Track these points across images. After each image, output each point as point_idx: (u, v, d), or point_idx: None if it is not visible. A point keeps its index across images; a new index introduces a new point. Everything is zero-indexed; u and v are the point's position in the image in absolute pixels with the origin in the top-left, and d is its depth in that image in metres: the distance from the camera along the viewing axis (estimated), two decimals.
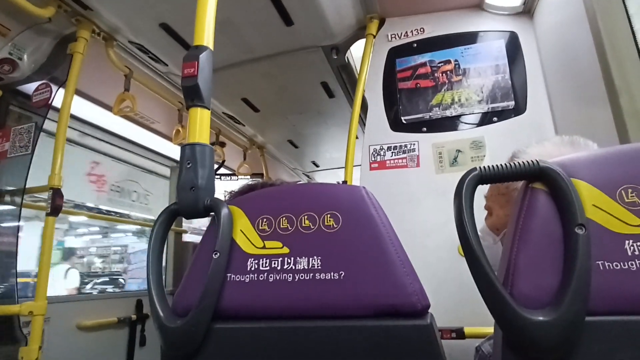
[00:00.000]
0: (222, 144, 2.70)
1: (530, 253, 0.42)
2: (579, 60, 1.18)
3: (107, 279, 4.60)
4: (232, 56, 1.87)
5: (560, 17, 1.32)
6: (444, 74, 1.56)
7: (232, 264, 0.51)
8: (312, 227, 0.50)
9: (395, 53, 1.64)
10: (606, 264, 0.40)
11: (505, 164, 0.45)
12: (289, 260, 0.50)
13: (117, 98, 1.84)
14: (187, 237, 2.93)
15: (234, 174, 2.97)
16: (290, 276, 0.49)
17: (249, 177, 2.93)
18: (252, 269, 0.50)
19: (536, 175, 0.44)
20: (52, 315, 1.59)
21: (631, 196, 0.41)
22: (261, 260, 0.51)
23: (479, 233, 0.44)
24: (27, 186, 1.49)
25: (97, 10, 1.53)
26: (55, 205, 1.42)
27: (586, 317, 0.39)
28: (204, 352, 0.49)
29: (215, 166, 2.78)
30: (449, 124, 1.51)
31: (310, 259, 0.49)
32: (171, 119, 2.33)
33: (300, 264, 0.49)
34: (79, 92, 1.87)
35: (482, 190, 0.82)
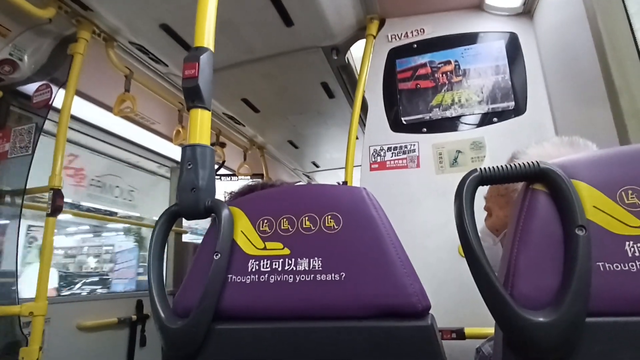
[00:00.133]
0: (222, 145, 2.70)
1: (531, 254, 0.42)
2: (579, 60, 1.18)
3: (92, 279, 4.45)
4: (232, 57, 1.87)
5: (560, 18, 1.32)
6: (444, 75, 1.56)
7: (232, 265, 0.51)
8: (312, 228, 0.50)
9: (396, 53, 1.64)
10: (606, 265, 0.40)
11: (506, 165, 0.45)
12: (290, 261, 0.50)
13: (118, 99, 1.84)
14: (185, 237, 2.93)
15: (234, 175, 2.97)
16: (291, 277, 0.49)
17: (249, 177, 2.93)
18: (253, 270, 0.51)
19: (536, 176, 0.44)
20: (53, 315, 1.59)
21: (631, 197, 0.41)
22: (262, 261, 0.51)
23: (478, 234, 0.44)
24: (27, 187, 1.49)
25: (97, 11, 1.53)
26: (56, 206, 1.42)
27: (586, 318, 0.39)
28: (204, 352, 0.49)
29: (216, 167, 2.77)
30: (449, 124, 1.51)
31: (311, 260, 0.49)
32: (171, 120, 2.33)
33: (301, 265, 0.49)
34: (80, 93, 1.87)
35: (482, 191, 0.83)
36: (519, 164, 0.44)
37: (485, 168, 0.45)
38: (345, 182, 1.54)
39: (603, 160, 0.45)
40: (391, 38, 1.66)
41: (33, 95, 1.59)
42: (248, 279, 0.50)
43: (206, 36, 0.65)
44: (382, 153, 1.53)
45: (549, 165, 0.44)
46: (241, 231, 0.53)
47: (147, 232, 4.39)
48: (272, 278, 0.49)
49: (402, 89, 1.59)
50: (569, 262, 0.40)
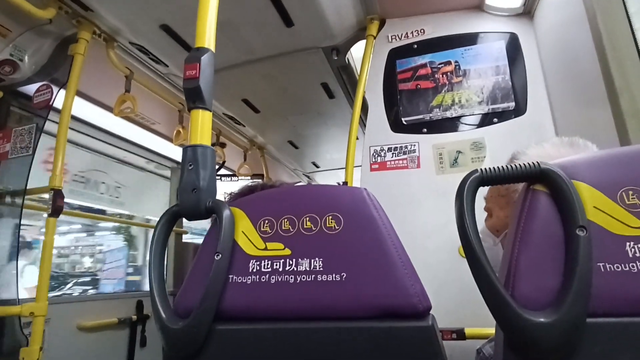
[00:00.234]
0: (223, 145, 2.70)
1: (531, 254, 0.42)
2: (579, 61, 1.18)
3: (80, 280, 4.31)
4: (232, 57, 1.88)
5: (560, 18, 1.32)
6: (444, 75, 1.56)
7: (233, 265, 0.51)
8: (313, 228, 0.51)
9: (396, 54, 1.64)
10: (607, 265, 0.40)
11: (507, 166, 0.45)
12: (291, 262, 0.50)
13: (118, 99, 1.84)
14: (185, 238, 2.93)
15: (234, 175, 2.97)
16: (292, 277, 0.49)
17: (249, 177, 2.93)
18: (254, 270, 0.51)
19: (537, 176, 0.44)
20: (53, 316, 1.59)
21: (632, 198, 0.42)
22: (263, 261, 0.51)
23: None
24: (28, 187, 1.49)
25: (97, 11, 1.53)
26: (57, 206, 1.42)
27: (587, 318, 0.39)
28: (205, 353, 0.49)
29: (216, 167, 2.78)
30: (450, 125, 1.51)
31: (312, 260, 0.49)
32: (172, 120, 2.33)
33: (302, 266, 0.49)
34: (80, 93, 1.87)
35: (482, 191, 0.83)
36: (519, 164, 0.44)
37: (485, 169, 0.45)
38: (345, 183, 1.54)
39: (604, 161, 0.45)
40: (391, 38, 1.66)
41: (33, 95, 1.59)
42: (249, 279, 0.50)
43: (207, 37, 0.65)
44: (382, 153, 1.53)
45: (549, 165, 0.44)
46: (242, 231, 0.53)
47: (137, 231, 4.30)
48: (273, 278, 0.49)
49: (403, 90, 1.59)
50: (570, 263, 0.40)
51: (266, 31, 1.70)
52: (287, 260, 0.50)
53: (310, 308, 0.48)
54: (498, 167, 0.45)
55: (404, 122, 1.55)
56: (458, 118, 1.51)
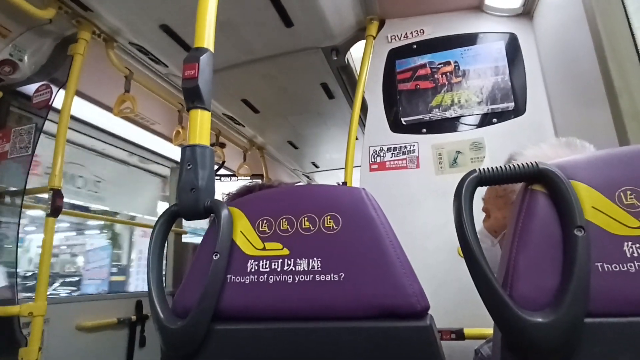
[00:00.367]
0: (222, 145, 2.70)
1: (530, 254, 0.42)
2: (579, 61, 1.18)
3: (61, 281, 4.10)
4: (232, 57, 1.88)
5: (560, 19, 1.32)
6: (443, 76, 1.56)
7: (232, 265, 0.51)
8: (312, 228, 0.50)
9: (395, 54, 1.64)
10: (605, 265, 0.40)
11: (505, 166, 0.45)
12: (289, 262, 0.50)
13: (118, 99, 1.84)
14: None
15: (233, 175, 2.97)
16: (290, 277, 0.49)
17: (248, 178, 2.93)
18: (252, 270, 0.51)
19: (535, 177, 0.44)
20: (52, 316, 1.59)
21: (630, 198, 0.41)
22: (261, 261, 0.51)
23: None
24: (27, 187, 1.49)
25: (97, 11, 1.53)
26: (56, 206, 1.42)
27: (585, 318, 0.39)
28: (203, 353, 0.49)
29: (215, 167, 2.78)
30: (449, 125, 1.51)
31: (310, 260, 0.49)
32: (171, 120, 2.33)
33: (300, 266, 0.49)
34: (80, 93, 1.87)
35: (480, 192, 0.83)
36: (518, 164, 0.44)
37: (484, 169, 0.45)
38: (345, 183, 1.54)
39: (602, 161, 0.45)
40: (391, 39, 1.66)
41: (33, 95, 1.59)
42: (247, 279, 0.50)
43: (206, 37, 0.65)
44: (381, 153, 1.53)
45: (547, 165, 0.44)
46: (240, 231, 0.53)
47: (121, 229, 4.15)
48: (271, 278, 0.49)
49: (402, 90, 1.59)
50: (568, 263, 0.40)
51: (266, 31, 1.70)
52: (286, 260, 0.50)
53: (308, 308, 0.48)
54: (496, 167, 0.45)
55: (404, 122, 1.55)
56: (457, 118, 1.51)
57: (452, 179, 1.39)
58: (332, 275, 0.48)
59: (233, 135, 2.77)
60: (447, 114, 1.52)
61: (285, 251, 0.50)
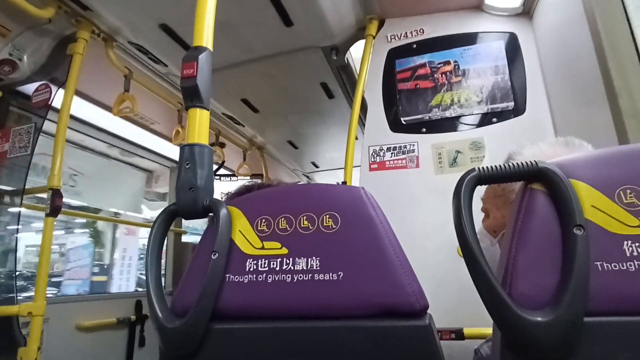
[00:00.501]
0: (222, 145, 2.70)
1: (529, 253, 0.42)
2: (579, 61, 1.18)
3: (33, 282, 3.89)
4: (231, 57, 1.87)
5: (560, 18, 1.32)
6: (443, 75, 1.56)
7: (230, 264, 0.51)
8: (310, 227, 0.50)
9: (395, 54, 1.64)
10: (605, 264, 0.40)
11: (504, 165, 0.45)
12: (288, 261, 0.50)
13: (117, 99, 1.84)
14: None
15: (233, 175, 2.97)
16: (288, 277, 0.49)
17: (248, 177, 2.93)
18: (251, 269, 0.50)
19: (535, 175, 0.44)
20: (51, 315, 1.59)
21: (630, 197, 0.41)
22: (260, 260, 0.51)
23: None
24: (26, 186, 1.49)
25: (96, 11, 1.53)
26: (55, 206, 1.42)
27: (585, 317, 0.39)
28: (202, 352, 0.48)
29: (215, 167, 2.78)
30: (449, 124, 1.51)
31: (309, 259, 0.49)
32: (171, 120, 2.33)
33: (299, 265, 0.49)
34: (79, 93, 1.87)
35: (480, 192, 0.83)
36: (517, 163, 0.44)
37: (483, 167, 0.45)
38: (344, 183, 1.54)
39: (601, 160, 0.44)
40: (390, 38, 1.66)
41: (32, 95, 1.59)
42: (246, 278, 0.50)
43: (205, 35, 0.65)
44: (381, 153, 1.53)
45: (547, 164, 0.43)
46: (239, 231, 0.53)
47: (104, 227, 3.97)
48: (270, 278, 0.49)
49: (402, 89, 1.59)
50: (568, 262, 0.40)
51: (265, 30, 1.70)
52: (284, 259, 0.50)
53: (307, 307, 0.47)
54: (496, 166, 0.45)
55: (403, 122, 1.55)
56: (457, 118, 1.51)
57: (452, 178, 1.38)
58: (330, 274, 0.48)
59: (233, 134, 2.77)
60: (447, 114, 1.51)
61: (284, 250, 0.50)
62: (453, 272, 1.26)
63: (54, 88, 1.56)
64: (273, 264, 0.50)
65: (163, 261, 2.67)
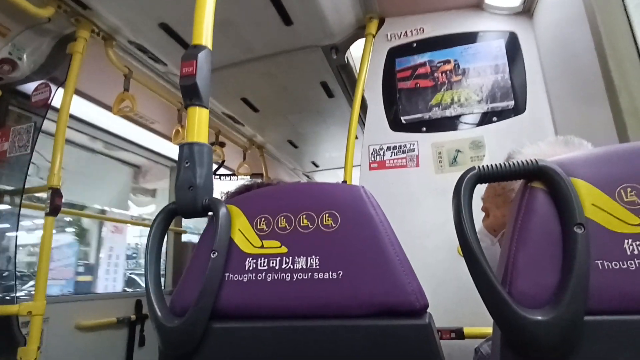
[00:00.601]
0: (222, 144, 2.70)
1: (529, 252, 0.42)
2: (579, 59, 1.18)
3: (19, 281, 3.68)
4: (231, 56, 1.87)
5: (560, 17, 1.32)
6: (443, 74, 1.55)
7: (230, 263, 0.51)
8: (310, 226, 0.50)
9: (395, 53, 1.64)
10: (605, 263, 0.40)
11: (504, 163, 0.44)
12: (287, 260, 0.49)
13: (117, 98, 1.84)
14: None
15: (233, 174, 2.97)
16: (288, 276, 0.49)
17: (248, 177, 2.93)
18: (250, 268, 0.50)
19: (535, 174, 0.44)
20: (51, 315, 1.59)
21: (630, 195, 0.41)
22: (259, 259, 0.50)
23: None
24: (26, 186, 1.49)
25: (96, 10, 1.53)
26: (55, 205, 1.42)
27: (585, 316, 0.39)
28: (201, 351, 0.48)
29: (215, 166, 2.78)
30: (449, 123, 1.50)
31: (309, 258, 0.49)
32: (171, 119, 2.33)
33: (299, 264, 0.49)
34: (79, 92, 1.87)
35: (480, 192, 0.82)
36: (517, 161, 0.44)
37: (483, 166, 0.45)
38: (344, 182, 1.54)
39: (602, 158, 0.44)
40: (390, 37, 1.66)
41: (32, 94, 1.58)
42: (245, 277, 0.50)
43: (204, 34, 0.65)
44: (381, 152, 1.53)
45: (547, 163, 0.43)
46: (239, 229, 0.53)
47: (89, 224, 3.79)
48: (269, 276, 0.49)
49: (402, 88, 1.59)
50: (568, 260, 0.40)
51: (265, 30, 1.70)
52: (284, 258, 0.50)
53: (306, 306, 0.47)
54: (496, 164, 0.45)
55: (403, 121, 1.55)
56: (457, 117, 1.50)
57: (452, 177, 1.38)
58: (330, 273, 0.48)
59: (233, 134, 2.77)
60: (447, 113, 1.51)
61: (284, 249, 0.50)
62: (453, 271, 1.26)
63: (53, 87, 1.55)
64: (272, 263, 0.50)
65: (162, 260, 2.67)
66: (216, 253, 0.50)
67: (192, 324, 0.48)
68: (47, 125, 1.80)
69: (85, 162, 2.70)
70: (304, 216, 0.51)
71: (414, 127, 1.53)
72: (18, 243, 1.49)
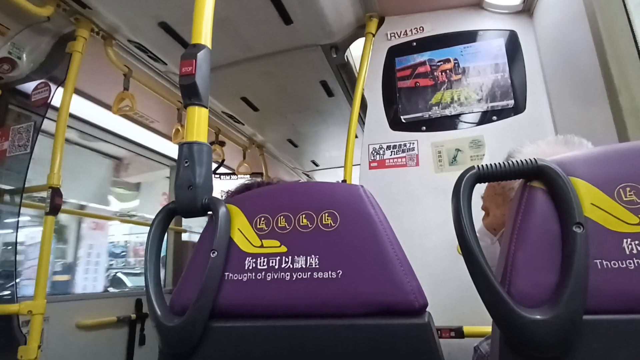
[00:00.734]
0: (222, 143, 2.70)
1: (528, 251, 0.42)
2: (579, 58, 1.17)
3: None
4: (231, 55, 1.87)
5: (560, 16, 1.32)
6: (443, 73, 1.55)
7: (229, 262, 0.51)
8: (309, 225, 0.50)
9: (395, 52, 1.63)
10: (604, 262, 0.40)
11: (504, 162, 0.44)
12: (287, 259, 0.49)
13: (117, 97, 1.84)
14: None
15: (233, 174, 2.97)
16: (287, 275, 0.49)
17: (248, 176, 2.93)
18: (250, 267, 0.50)
19: (534, 173, 0.44)
20: (52, 314, 1.59)
21: (629, 194, 0.41)
22: (259, 259, 0.51)
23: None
24: (26, 185, 1.49)
25: (96, 9, 1.52)
26: (55, 204, 1.42)
27: (584, 315, 0.39)
28: (201, 350, 0.48)
29: (215, 165, 2.77)
30: (449, 123, 1.50)
31: (308, 257, 0.49)
32: (171, 118, 2.33)
33: (298, 263, 0.49)
34: (78, 91, 1.87)
35: (480, 191, 0.82)
36: (516, 161, 0.44)
37: (483, 165, 0.45)
38: (344, 181, 1.54)
39: (601, 158, 0.44)
40: (390, 36, 1.66)
41: (31, 93, 1.58)
42: (245, 276, 0.50)
43: (203, 33, 0.65)
44: (381, 151, 1.53)
45: (546, 162, 0.43)
46: (238, 229, 0.53)
47: (68, 220, 3.55)
48: (268, 276, 0.49)
49: (402, 87, 1.58)
50: (567, 260, 0.40)
51: (265, 29, 1.69)
52: (283, 257, 0.50)
53: (306, 305, 0.47)
54: (495, 163, 0.45)
55: (403, 120, 1.55)
56: (457, 116, 1.50)
57: (452, 177, 1.37)
58: (329, 272, 0.48)
59: (232, 133, 2.77)
60: (447, 112, 1.51)
61: (283, 248, 0.50)
62: (452, 270, 1.26)
63: (53, 86, 1.55)
64: (272, 262, 0.50)
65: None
66: (216, 252, 0.50)
67: (191, 323, 0.48)
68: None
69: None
70: (304, 215, 0.51)
71: (414, 126, 1.53)
72: (5, 241, 1.47)
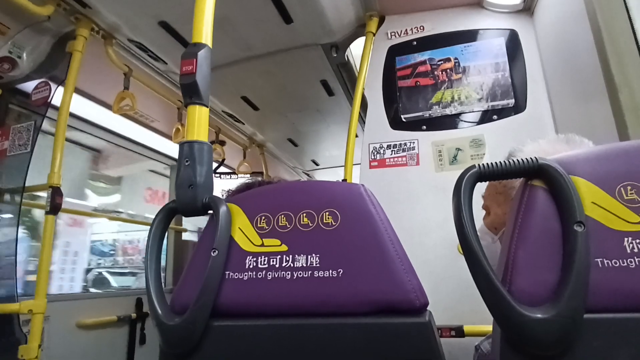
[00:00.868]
0: (222, 143, 2.70)
1: (529, 250, 0.42)
2: (579, 57, 1.17)
3: None
4: (231, 54, 1.87)
5: (560, 14, 1.32)
6: (443, 72, 1.55)
7: (230, 261, 0.51)
8: (310, 224, 0.50)
9: (395, 51, 1.63)
10: (605, 261, 0.40)
11: (504, 161, 0.44)
12: (288, 258, 0.49)
13: (117, 96, 1.84)
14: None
15: (233, 173, 2.97)
16: (288, 274, 0.49)
17: (248, 175, 2.93)
18: (251, 266, 0.50)
19: (535, 172, 0.44)
20: (52, 313, 1.59)
21: (630, 193, 0.41)
22: (259, 258, 0.51)
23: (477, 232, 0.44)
24: (26, 184, 1.49)
25: (96, 8, 1.52)
26: (55, 204, 1.42)
27: (585, 314, 0.39)
28: (202, 349, 0.48)
29: (215, 165, 2.78)
30: (449, 122, 1.50)
31: (309, 256, 0.49)
32: (171, 118, 2.33)
33: (299, 262, 0.49)
34: (78, 91, 1.86)
35: (480, 190, 0.82)
36: (517, 160, 0.44)
37: (483, 164, 0.45)
38: (344, 180, 1.54)
39: (602, 156, 0.44)
40: (390, 35, 1.66)
41: (32, 93, 1.58)
42: (245, 275, 0.50)
43: (204, 32, 0.65)
44: (381, 151, 1.53)
45: (547, 161, 0.43)
46: (239, 228, 0.53)
47: (42, 216, 3.62)
48: (269, 275, 0.49)
49: (402, 87, 1.58)
50: (568, 258, 0.40)
51: (265, 28, 1.69)
52: (284, 256, 0.50)
53: (306, 304, 0.47)
54: (496, 162, 0.45)
55: (403, 119, 1.55)
56: (457, 115, 1.50)
57: (452, 176, 1.37)
58: (330, 271, 0.48)
59: (233, 132, 2.76)
60: (447, 111, 1.51)
61: (284, 247, 0.50)
62: (453, 269, 1.26)
63: (53, 86, 1.55)
64: (273, 261, 0.50)
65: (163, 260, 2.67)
66: (216, 251, 0.50)
67: (192, 322, 0.48)
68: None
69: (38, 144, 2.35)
70: (304, 214, 0.51)
71: (414, 125, 1.53)
72: None
